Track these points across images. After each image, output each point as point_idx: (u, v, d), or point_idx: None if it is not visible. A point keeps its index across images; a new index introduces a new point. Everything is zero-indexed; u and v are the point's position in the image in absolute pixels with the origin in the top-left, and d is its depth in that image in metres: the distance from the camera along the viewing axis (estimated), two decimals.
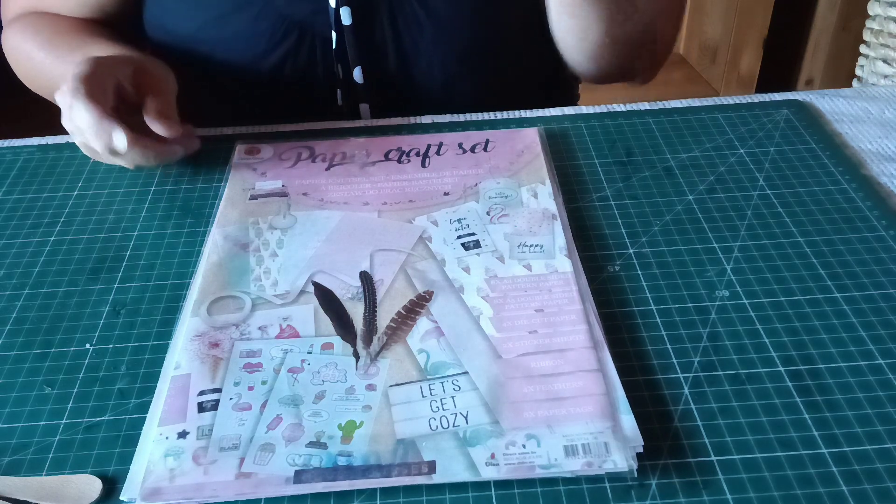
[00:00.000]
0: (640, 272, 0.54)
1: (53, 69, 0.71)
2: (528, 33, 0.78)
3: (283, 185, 0.62)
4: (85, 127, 0.58)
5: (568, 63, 0.74)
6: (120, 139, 0.58)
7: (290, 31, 0.71)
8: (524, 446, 0.42)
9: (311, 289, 0.52)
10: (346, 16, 0.70)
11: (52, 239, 0.59)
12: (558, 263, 0.53)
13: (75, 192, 0.63)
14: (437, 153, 0.65)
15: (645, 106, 0.71)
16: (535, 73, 0.83)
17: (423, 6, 0.70)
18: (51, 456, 0.43)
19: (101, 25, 0.77)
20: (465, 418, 0.43)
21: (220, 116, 0.76)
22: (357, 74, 0.72)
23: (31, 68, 0.75)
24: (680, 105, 0.71)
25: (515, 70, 0.80)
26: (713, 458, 0.42)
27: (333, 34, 0.71)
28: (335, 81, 0.73)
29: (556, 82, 0.90)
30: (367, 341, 0.48)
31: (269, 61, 0.72)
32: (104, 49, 0.68)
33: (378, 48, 0.72)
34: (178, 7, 0.73)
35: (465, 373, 0.46)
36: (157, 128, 0.60)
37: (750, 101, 0.71)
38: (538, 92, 0.85)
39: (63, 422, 0.45)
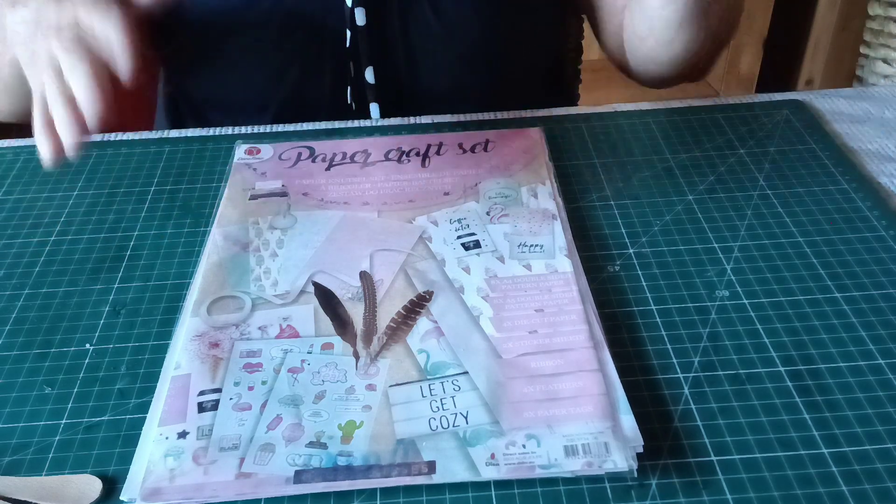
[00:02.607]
0: (640, 272, 0.54)
1: None
2: (533, 34, 0.78)
3: (283, 185, 0.62)
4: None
5: (636, 65, 0.73)
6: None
7: (299, 29, 0.71)
8: (524, 446, 0.42)
9: (311, 289, 0.52)
10: (360, 16, 0.70)
11: (52, 239, 0.59)
12: (558, 263, 0.53)
13: (75, 192, 0.63)
14: (438, 153, 0.65)
15: (645, 106, 0.71)
16: (537, 72, 0.83)
17: (433, 6, 0.70)
18: (51, 456, 0.43)
19: None
20: (465, 418, 0.43)
21: (222, 120, 0.76)
22: (369, 74, 0.72)
23: None
24: (680, 105, 0.71)
25: (519, 70, 0.80)
26: (713, 458, 0.42)
27: (348, 33, 0.71)
28: (345, 80, 0.73)
29: (557, 82, 0.90)
30: (367, 341, 0.48)
31: (276, 59, 0.72)
32: None
33: (388, 48, 0.72)
34: (182, 13, 0.73)
35: (465, 373, 0.46)
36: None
37: (750, 101, 0.71)
38: (539, 92, 0.85)
39: (63, 422, 0.45)
